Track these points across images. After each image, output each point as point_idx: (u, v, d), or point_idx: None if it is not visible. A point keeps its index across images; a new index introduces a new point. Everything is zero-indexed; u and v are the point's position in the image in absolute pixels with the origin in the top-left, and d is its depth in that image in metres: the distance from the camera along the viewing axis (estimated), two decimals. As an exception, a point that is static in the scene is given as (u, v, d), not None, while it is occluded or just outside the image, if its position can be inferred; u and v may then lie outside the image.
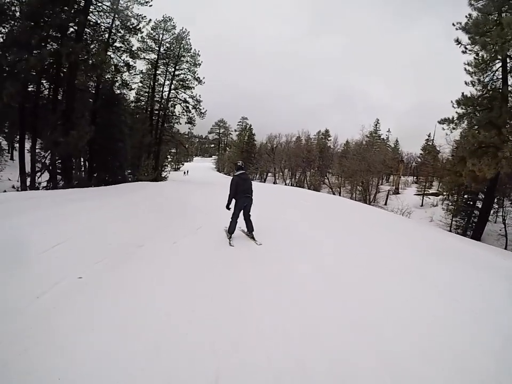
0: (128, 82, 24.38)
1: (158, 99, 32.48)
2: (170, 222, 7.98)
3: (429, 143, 56.65)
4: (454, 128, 19.14)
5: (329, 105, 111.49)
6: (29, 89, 17.01)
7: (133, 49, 22.98)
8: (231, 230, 6.28)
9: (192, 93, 33.58)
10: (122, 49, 22.67)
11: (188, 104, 33.22)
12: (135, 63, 24.08)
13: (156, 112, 32.52)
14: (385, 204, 37.48)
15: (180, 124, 34.31)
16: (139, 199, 11.18)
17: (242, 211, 6.42)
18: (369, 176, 36.67)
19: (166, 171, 38.54)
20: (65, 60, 14.71)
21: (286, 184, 54.67)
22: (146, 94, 32.41)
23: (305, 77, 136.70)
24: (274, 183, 57.32)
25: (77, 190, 12.55)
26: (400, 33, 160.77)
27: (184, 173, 58.85)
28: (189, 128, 33.78)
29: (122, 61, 22.06)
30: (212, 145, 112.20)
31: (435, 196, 43.54)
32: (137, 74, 31.46)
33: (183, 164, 77.82)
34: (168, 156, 49.48)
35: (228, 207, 6.28)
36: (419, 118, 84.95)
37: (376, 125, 52.63)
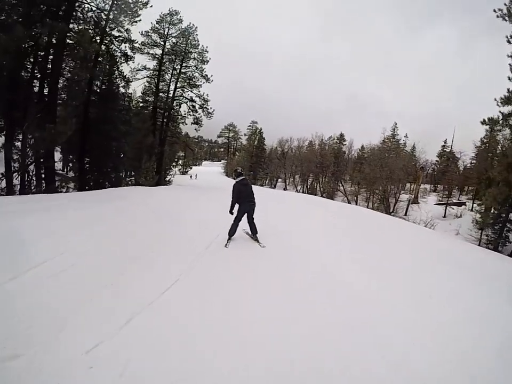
0: (127, 76, 22.01)
1: (162, 97, 30.22)
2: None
3: (445, 149, 53.55)
4: (499, 130, 16.28)
5: (340, 111, 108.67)
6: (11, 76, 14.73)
7: (132, 39, 20.66)
8: (231, 233, 6.40)
9: (199, 91, 31.26)
10: (120, 38, 20.49)
11: (194, 104, 30.93)
12: (134, 53, 21.78)
13: (160, 111, 30.27)
14: (405, 214, 34.41)
15: (186, 124, 32.04)
16: (109, 213, 8.41)
17: (246, 215, 6.54)
18: (390, 184, 33.65)
19: (171, 175, 36.24)
20: (44, 40, 12.36)
21: (297, 191, 51.88)
22: (150, 91, 30.18)
23: (316, 82, 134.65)
24: (284, 189, 54.62)
25: (37, 197, 10.06)
26: (409, 41, 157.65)
27: (191, 176, 56.63)
28: (196, 129, 31.41)
29: (119, 51, 19.76)
30: (221, 150, 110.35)
31: (457, 206, 40.33)
32: (141, 70, 29.45)
33: (191, 168, 75.96)
34: (176, 159, 47.97)
35: (231, 212, 6.42)
36: (428, 125, 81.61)
37: (394, 129, 49.53)
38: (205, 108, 30.84)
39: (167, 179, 35.02)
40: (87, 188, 16.54)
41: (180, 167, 74.23)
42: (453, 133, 49.85)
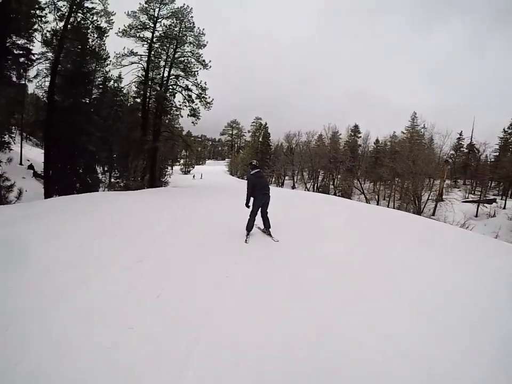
0: (104, 56, 18.31)
1: (154, 86, 26.53)
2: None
3: (461, 142, 48.85)
4: None
5: (348, 108, 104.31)
6: None
7: (108, 10, 16.94)
8: (248, 228, 6.29)
9: (196, 79, 27.53)
10: (94, 10, 16.81)
11: (190, 93, 27.23)
12: (111, 27, 18.04)
13: (151, 102, 26.60)
14: (433, 214, 30.27)
15: (181, 116, 28.29)
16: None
17: (260, 208, 6.39)
18: (421, 180, 29.41)
19: (167, 174, 32.61)
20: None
21: (307, 189, 47.87)
22: (139, 80, 26.48)
23: (325, 80, 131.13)
24: (292, 187, 50.72)
25: None
26: (417, 40, 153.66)
27: (194, 176, 53.15)
28: (193, 123, 27.59)
29: (91, 23, 16.06)
30: (225, 148, 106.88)
31: (488, 204, 36.07)
32: (127, 56, 25.77)
33: (193, 167, 72.72)
34: (172, 158, 44.48)
35: (247, 206, 6.33)
36: (438, 120, 77.06)
37: (413, 119, 44.90)
38: (203, 97, 27.08)
39: (163, 179, 31.42)
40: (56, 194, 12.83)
41: (182, 166, 71.34)
42: (472, 124, 45.32)
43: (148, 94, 26.40)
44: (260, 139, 60.39)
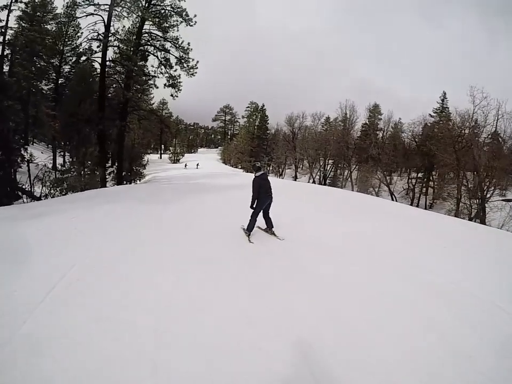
0: None
1: (120, 46, 19.40)
2: None
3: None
4: None
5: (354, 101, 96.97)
6: None
7: None
8: (250, 228, 6.32)
9: (177, 39, 20.43)
10: None
11: (168, 55, 20.29)
12: None
13: (114, 67, 19.57)
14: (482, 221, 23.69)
15: (157, 87, 21.29)
16: None
17: (263, 210, 6.44)
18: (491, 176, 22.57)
19: (141, 166, 25.64)
20: None
21: (313, 182, 41.11)
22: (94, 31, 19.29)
23: (328, 71, 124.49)
24: (295, 178, 44.06)
25: None
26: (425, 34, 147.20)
27: (185, 165, 46.67)
28: (172, 96, 20.72)
29: None
30: (218, 137, 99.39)
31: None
32: (81, 5, 18.65)
33: (182, 155, 65.71)
34: (153, 144, 37.04)
35: (252, 207, 6.25)
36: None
37: (443, 100, 37.85)
38: (185, 61, 20.14)
39: (138, 171, 24.56)
40: None
41: (171, 154, 64.65)
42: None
43: (112, 56, 19.36)
44: (257, 123, 53.22)
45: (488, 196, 22.32)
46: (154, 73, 20.38)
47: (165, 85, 20.35)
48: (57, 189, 16.89)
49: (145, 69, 20.07)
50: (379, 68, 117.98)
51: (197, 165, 45.94)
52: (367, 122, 41.54)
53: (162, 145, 78.96)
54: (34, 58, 22.06)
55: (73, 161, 16.70)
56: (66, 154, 19.40)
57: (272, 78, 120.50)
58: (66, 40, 23.87)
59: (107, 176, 20.84)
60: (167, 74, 20.18)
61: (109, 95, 19.73)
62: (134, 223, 6.76)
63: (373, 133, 37.56)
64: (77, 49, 22.42)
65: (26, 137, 21.45)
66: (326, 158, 41.76)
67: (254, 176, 6.29)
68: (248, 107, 64.17)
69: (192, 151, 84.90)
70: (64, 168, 17.13)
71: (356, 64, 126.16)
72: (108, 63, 19.04)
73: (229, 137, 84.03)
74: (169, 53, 20.12)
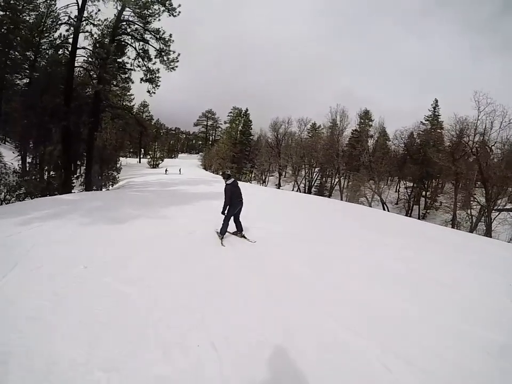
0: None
1: (94, 34, 17.10)
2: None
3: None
4: None
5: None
6: None
7: None
8: (223, 232, 6.51)
9: (159, 30, 18.34)
10: None
11: (147, 46, 18.25)
12: None
13: (87, 57, 17.31)
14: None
15: (132, 82, 19.13)
16: None
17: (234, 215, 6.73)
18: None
19: (113, 170, 23.21)
20: None
21: (298, 190, 39.56)
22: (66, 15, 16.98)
23: (314, 81, 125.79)
24: (278, 186, 42.48)
25: None
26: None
27: (166, 171, 43.99)
28: (149, 92, 18.59)
29: None
30: (200, 142, 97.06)
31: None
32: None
33: (162, 161, 63.19)
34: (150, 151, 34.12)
35: (223, 213, 6.47)
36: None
37: (434, 107, 37.31)
38: (165, 53, 18.14)
39: (111, 175, 22.14)
40: None
41: (149, 159, 62.27)
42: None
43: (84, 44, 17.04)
44: (240, 128, 51.47)
45: (496, 207, 21.16)
46: (131, 65, 18.30)
47: (141, 79, 18.20)
48: (13, 194, 14.52)
49: (119, 59, 17.85)
50: (363, 78, 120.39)
51: (179, 170, 43.59)
52: (358, 128, 40.27)
53: (142, 149, 76.30)
54: (7, 49, 19.45)
55: (31, 162, 14.28)
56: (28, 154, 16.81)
57: (256, 85, 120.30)
58: (43, 31, 21.36)
59: (74, 181, 18.45)
60: (144, 68, 18.14)
61: (78, 87, 17.43)
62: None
63: (365, 139, 36.26)
64: (54, 42, 19.98)
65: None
66: (312, 166, 40.33)
67: (225, 184, 6.53)
68: (230, 112, 62.42)
69: (173, 156, 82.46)
70: (20, 171, 14.64)
71: (340, 73, 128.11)
72: (78, 51, 16.82)
73: (210, 142, 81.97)
74: (148, 44, 18.10)
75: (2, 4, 19.03)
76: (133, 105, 55.30)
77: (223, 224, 6.48)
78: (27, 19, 20.09)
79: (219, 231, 6.57)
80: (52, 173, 15.18)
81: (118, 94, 20.49)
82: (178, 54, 18.03)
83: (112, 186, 23.15)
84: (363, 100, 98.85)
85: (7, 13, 19.44)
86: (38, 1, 19.60)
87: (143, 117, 60.90)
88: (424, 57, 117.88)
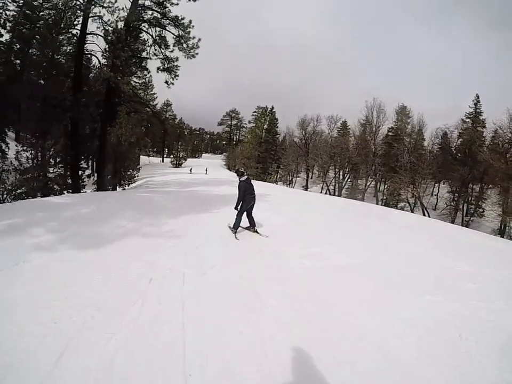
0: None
1: (96, 14, 15.42)
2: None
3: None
4: None
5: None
6: None
7: None
8: (236, 226, 6.59)
9: (178, 19, 16.46)
10: None
11: (164, 32, 16.45)
12: None
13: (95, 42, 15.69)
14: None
15: (148, 71, 17.42)
16: None
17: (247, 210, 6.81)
18: None
19: (131, 168, 21.61)
20: None
21: (327, 192, 36.88)
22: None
23: (337, 79, 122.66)
24: (305, 188, 39.94)
25: None
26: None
27: (191, 170, 42.90)
28: (167, 83, 16.80)
29: None
30: (224, 142, 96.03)
31: None
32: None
33: (185, 160, 62.30)
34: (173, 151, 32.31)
35: (236, 208, 6.57)
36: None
37: (476, 104, 33.56)
38: (185, 39, 16.27)
39: (126, 174, 20.57)
40: None
41: (172, 158, 61.73)
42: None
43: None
44: (265, 126, 49.18)
45: None
46: (147, 54, 16.58)
47: (158, 68, 16.47)
48: (14, 193, 13.10)
49: (133, 46, 16.05)
50: (386, 77, 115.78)
51: (206, 170, 41.93)
52: (394, 126, 36.66)
53: (166, 149, 75.89)
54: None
55: (33, 158, 12.77)
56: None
57: (280, 84, 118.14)
58: (61, 28, 20.14)
59: (85, 179, 16.94)
60: (161, 56, 16.38)
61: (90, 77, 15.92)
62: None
63: (405, 138, 32.77)
64: (72, 39, 18.61)
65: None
66: (343, 166, 37.37)
67: (239, 181, 6.75)
68: (255, 112, 60.31)
69: (196, 156, 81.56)
70: (22, 167, 13.16)
71: (363, 73, 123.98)
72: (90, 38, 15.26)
73: (234, 142, 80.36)
74: (166, 29, 16.30)
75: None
76: (156, 104, 54.76)
77: (236, 219, 6.60)
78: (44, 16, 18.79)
79: (232, 226, 6.65)
80: (54, 170, 13.58)
81: (136, 87, 18.75)
82: (199, 40, 16.09)
83: (128, 186, 21.63)
84: (387, 98, 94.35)
85: (23, 9, 18.20)
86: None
87: (166, 116, 60.16)
88: (445, 56, 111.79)
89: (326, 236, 6.98)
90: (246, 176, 6.85)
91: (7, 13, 16.07)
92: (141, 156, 56.31)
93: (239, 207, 6.60)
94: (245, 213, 6.72)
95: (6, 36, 16.97)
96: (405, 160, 27.74)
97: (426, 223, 11.48)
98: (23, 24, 17.40)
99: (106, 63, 16.05)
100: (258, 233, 6.78)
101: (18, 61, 17.89)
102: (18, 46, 18.03)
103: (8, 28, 16.28)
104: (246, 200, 6.58)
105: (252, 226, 6.88)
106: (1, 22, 15.45)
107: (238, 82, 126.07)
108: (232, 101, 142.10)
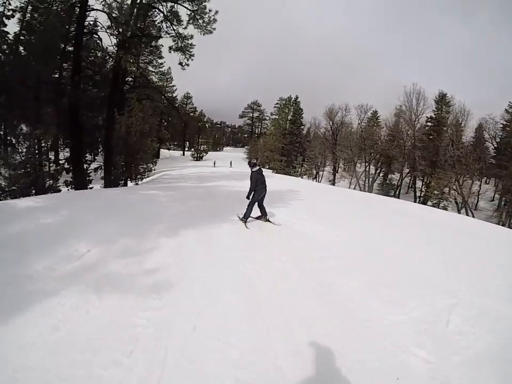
0: None
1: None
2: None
3: None
4: None
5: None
6: None
7: None
8: (247, 216, 6.68)
9: None
10: None
11: (176, 6, 14.39)
12: None
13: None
14: None
15: (159, 51, 15.50)
16: None
17: (258, 200, 6.96)
18: None
19: (145, 160, 19.84)
20: None
21: (358, 188, 33.95)
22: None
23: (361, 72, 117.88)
24: (333, 183, 37.25)
25: None
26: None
27: (214, 163, 40.56)
28: (181, 64, 14.80)
29: None
30: (245, 135, 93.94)
31: None
32: None
33: (206, 153, 60.84)
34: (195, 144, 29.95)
35: (248, 197, 6.80)
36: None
37: None
38: (200, 14, 14.15)
39: (138, 168, 18.87)
40: None
41: (193, 151, 60.42)
42: None
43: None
44: (289, 116, 46.50)
45: None
46: (158, 32, 14.64)
47: (170, 48, 14.51)
48: (9, 189, 11.58)
49: (140, 25, 14.11)
50: (411, 69, 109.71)
51: (230, 163, 39.89)
52: (434, 115, 32.56)
53: (187, 142, 74.86)
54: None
55: (26, 151, 11.18)
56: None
57: (303, 76, 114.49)
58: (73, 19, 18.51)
59: (91, 173, 15.35)
60: (174, 33, 14.38)
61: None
62: None
63: (452, 128, 28.86)
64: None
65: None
66: (376, 159, 34.28)
67: (251, 171, 6.87)
68: (277, 103, 57.53)
69: (218, 149, 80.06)
70: (16, 161, 11.62)
71: (388, 64, 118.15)
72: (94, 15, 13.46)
73: (256, 135, 78.00)
74: (178, 3, 14.24)
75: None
76: (175, 96, 53.25)
77: (247, 209, 6.71)
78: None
79: (242, 216, 6.75)
80: (52, 164, 11.97)
81: (145, 70, 16.87)
82: (216, 12, 13.96)
83: (141, 180, 19.98)
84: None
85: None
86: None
87: (187, 109, 58.79)
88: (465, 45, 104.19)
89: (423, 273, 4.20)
90: (258, 167, 7.05)
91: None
92: (162, 150, 55.35)
93: (250, 197, 6.80)
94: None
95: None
96: (451, 153, 24.33)
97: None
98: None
99: (110, 44, 14.33)
100: (270, 221, 6.90)
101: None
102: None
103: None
104: (257, 190, 6.79)
105: (264, 215, 7.03)
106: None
107: (260, 76, 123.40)
108: (253, 95, 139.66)
